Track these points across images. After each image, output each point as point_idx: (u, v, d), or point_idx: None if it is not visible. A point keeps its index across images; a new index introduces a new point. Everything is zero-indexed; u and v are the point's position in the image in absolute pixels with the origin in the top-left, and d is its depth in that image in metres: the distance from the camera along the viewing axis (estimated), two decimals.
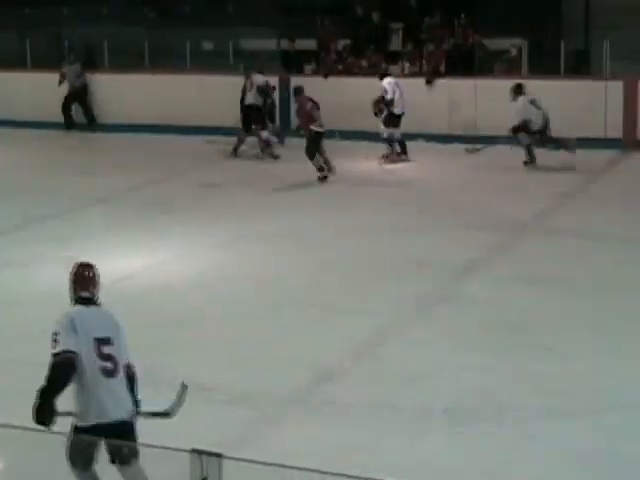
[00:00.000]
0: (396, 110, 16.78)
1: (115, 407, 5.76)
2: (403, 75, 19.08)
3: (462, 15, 19.36)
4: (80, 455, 5.74)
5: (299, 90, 16.22)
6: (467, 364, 8.40)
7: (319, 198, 14.79)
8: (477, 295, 10.21)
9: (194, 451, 4.54)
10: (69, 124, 20.76)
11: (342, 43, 20.26)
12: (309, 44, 20.46)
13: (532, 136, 15.96)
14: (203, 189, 15.16)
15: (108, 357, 5.80)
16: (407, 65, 19.52)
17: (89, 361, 5.73)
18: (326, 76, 19.24)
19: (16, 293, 10.45)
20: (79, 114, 20.80)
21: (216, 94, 18.74)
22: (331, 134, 16.96)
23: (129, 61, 21.08)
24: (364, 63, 19.53)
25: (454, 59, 19.11)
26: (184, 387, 6.17)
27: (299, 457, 5.57)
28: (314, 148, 15.56)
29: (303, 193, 15.16)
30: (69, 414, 5.76)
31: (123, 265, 11.33)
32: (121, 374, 5.85)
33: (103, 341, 5.83)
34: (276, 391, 7.95)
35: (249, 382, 8.12)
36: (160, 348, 8.86)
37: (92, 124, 20.73)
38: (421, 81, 18.67)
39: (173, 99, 19.40)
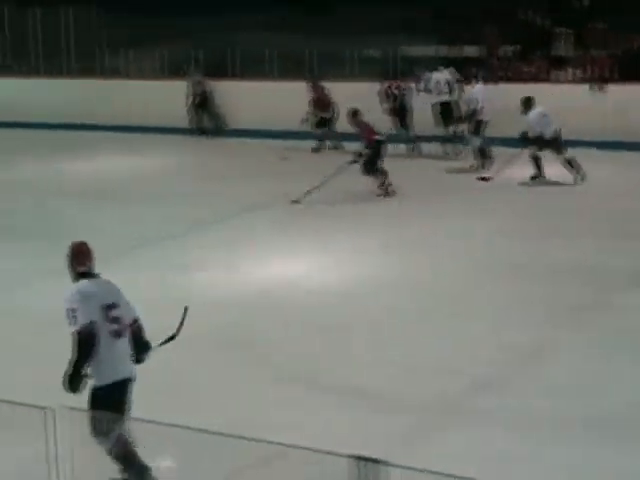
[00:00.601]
0: (484, 118, 16.70)
1: (124, 366, 6.51)
2: (568, 81, 18.77)
3: (629, 19, 18.94)
4: (102, 424, 6.18)
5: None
6: (628, 376, 8.23)
7: (480, 203, 14.68)
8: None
9: (353, 457, 4.57)
10: (199, 130, 21.46)
11: (507, 49, 20.07)
12: (472, 50, 20.34)
13: (544, 147, 15.46)
14: (361, 195, 15.23)
15: (115, 320, 6.49)
16: (574, 71, 19.20)
17: (101, 326, 6.41)
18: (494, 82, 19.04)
19: (181, 297, 10.69)
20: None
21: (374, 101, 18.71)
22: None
23: (292, 68, 21.36)
24: (527, 69, 19.29)
25: (622, 65, 18.71)
26: (186, 309, 7.03)
27: (457, 466, 5.55)
28: (373, 162, 15.18)
29: (468, 198, 15.08)
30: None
31: (284, 270, 11.55)
32: (126, 334, 6.55)
33: (110, 306, 6.51)
34: (433, 399, 7.92)
35: (407, 390, 8.11)
36: (320, 353, 8.97)
37: (217, 131, 21.44)
38: (587, 87, 18.36)
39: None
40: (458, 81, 18.24)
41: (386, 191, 15.14)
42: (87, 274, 6.65)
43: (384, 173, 15.18)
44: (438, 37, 20.89)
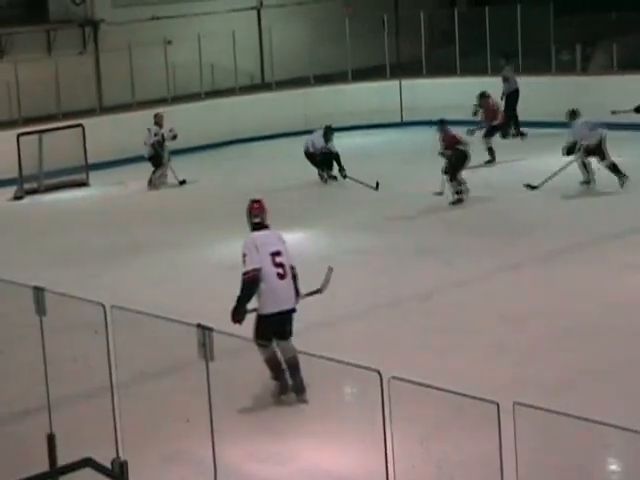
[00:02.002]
0: None
1: (286, 301, 8.29)
2: None
3: None
4: (264, 334, 8.12)
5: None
6: None
7: None
8: None
9: None
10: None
11: None
12: None
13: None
14: None
15: (280, 265, 8.27)
16: None
17: (269, 270, 8.20)
18: None
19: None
20: None
21: None
22: None
23: None
24: None
25: None
26: (330, 269, 8.74)
27: None
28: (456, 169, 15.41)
29: None
30: (253, 310, 8.24)
31: None
32: (289, 277, 8.31)
33: (275, 254, 8.27)
34: None
35: None
36: None
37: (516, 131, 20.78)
38: None
39: None
40: None
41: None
42: (260, 225, 8.43)
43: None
44: None
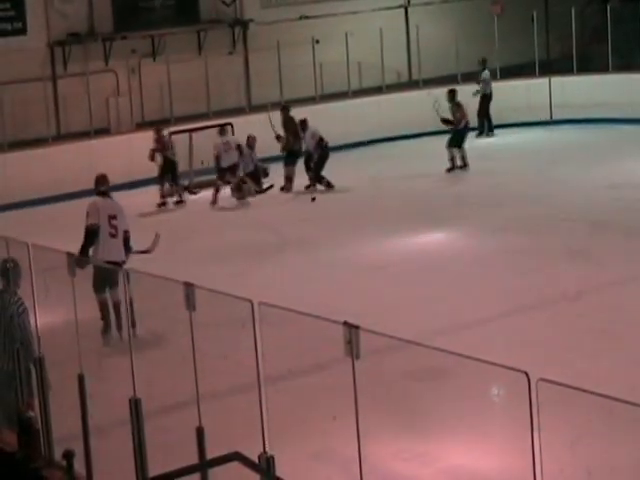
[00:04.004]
0: None
1: (115, 254, 10.66)
2: None
3: None
4: (98, 283, 10.07)
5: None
6: None
7: None
8: None
9: None
10: (480, 130, 21.79)
11: None
12: None
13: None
14: None
15: (114, 226, 10.75)
16: None
17: (105, 228, 10.68)
18: None
19: None
20: None
21: None
22: None
23: None
24: None
25: None
26: (158, 236, 11.43)
27: None
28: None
29: None
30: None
31: None
32: (119, 237, 10.78)
33: (112, 217, 10.75)
34: None
35: None
36: None
37: (489, 132, 21.77)
38: None
39: None
40: None
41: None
42: (103, 193, 10.98)
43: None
44: None
